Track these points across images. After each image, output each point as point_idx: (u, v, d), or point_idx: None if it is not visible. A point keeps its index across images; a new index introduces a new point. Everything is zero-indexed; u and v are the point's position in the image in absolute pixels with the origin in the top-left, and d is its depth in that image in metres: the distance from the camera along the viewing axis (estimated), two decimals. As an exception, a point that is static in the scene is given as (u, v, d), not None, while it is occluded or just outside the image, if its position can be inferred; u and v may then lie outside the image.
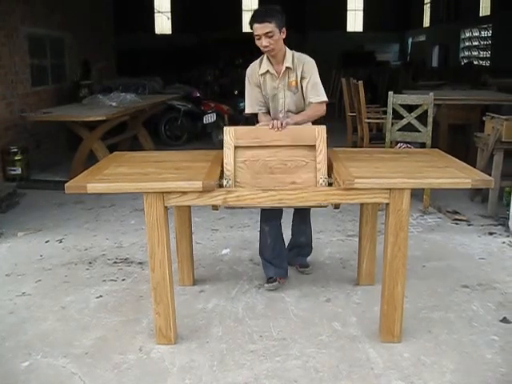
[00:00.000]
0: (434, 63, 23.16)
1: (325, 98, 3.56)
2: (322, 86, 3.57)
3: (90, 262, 4.32)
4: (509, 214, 5.00)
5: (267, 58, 3.58)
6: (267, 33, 3.38)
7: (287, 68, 3.54)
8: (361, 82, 6.73)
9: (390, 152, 3.70)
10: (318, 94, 3.54)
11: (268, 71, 3.58)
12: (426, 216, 5.40)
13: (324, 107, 3.59)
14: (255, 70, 3.63)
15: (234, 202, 2.94)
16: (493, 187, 2.94)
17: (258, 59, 3.65)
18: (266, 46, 3.42)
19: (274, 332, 3.21)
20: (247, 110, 3.78)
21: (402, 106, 5.62)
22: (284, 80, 3.58)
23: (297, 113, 3.61)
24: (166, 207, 2.90)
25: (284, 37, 3.47)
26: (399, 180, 2.87)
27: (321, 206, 3.13)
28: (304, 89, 3.56)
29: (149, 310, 3.38)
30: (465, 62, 20.36)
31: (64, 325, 3.35)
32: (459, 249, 4.54)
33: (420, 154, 3.63)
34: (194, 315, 3.42)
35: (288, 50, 3.57)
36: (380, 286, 3.18)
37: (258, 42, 3.45)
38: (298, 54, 3.58)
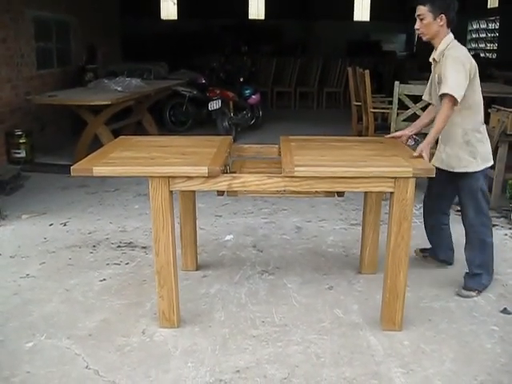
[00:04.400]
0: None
1: (447, 91, 3.17)
2: (453, 78, 3.19)
3: (94, 246, 4.35)
4: (511, 207, 5.01)
5: None
6: (419, 15, 3.30)
7: (434, 59, 3.44)
8: (367, 72, 6.71)
9: (344, 140, 3.70)
10: (442, 87, 3.23)
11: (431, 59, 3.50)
12: (429, 207, 5.40)
13: (447, 103, 3.19)
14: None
15: (239, 187, 2.95)
16: (434, 175, 2.93)
17: None
18: (417, 29, 3.34)
19: (276, 318, 3.23)
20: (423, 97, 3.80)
21: (407, 96, 5.61)
22: (435, 70, 3.44)
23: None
24: (171, 192, 2.92)
25: (442, 24, 3.28)
26: (340, 168, 2.87)
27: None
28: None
29: (152, 293, 3.41)
30: (471, 54, 20.25)
31: (68, 307, 3.38)
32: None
33: (373, 143, 3.63)
34: (196, 300, 3.45)
35: (447, 39, 3.34)
36: (382, 274, 3.21)
37: None
38: (452, 46, 3.34)
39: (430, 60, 3.51)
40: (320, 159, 3.06)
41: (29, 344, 2.96)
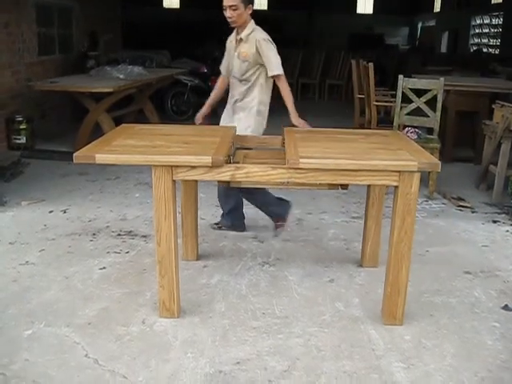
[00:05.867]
0: (443, 49, 22.98)
1: (278, 72, 3.93)
2: (275, 59, 3.92)
3: (94, 234, 4.32)
4: (513, 203, 5.00)
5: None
6: (231, 6, 3.80)
7: (240, 39, 3.96)
8: (371, 64, 6.67)
9: (349, 133, 3.69)
10: (271, 69, 3.92)
11: (232, 40, 4.07)
12: (430, 201, 5.39)
13: (283, 80, 3.95)
14: (229, 38, 4.12)
15: (242, 178, 2.92)
16: (439, 170, 2.95)
17: None
18: (229, 18, 3.85)
19: (277, 310, 3.22)
20: (220, 67, 4.34)
21: (411, 89, 5.58)
22: (238, 49, 3.99)
23: (241, 80, 4.03)
24: (174, 181, 2.89)
25: (250, 12, 3.90)
26: (344, 161, 2.85)
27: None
28: (265, 63, 3.93)
29: (152, 282, 3.39)
30: (474, 49, 20.19)
31: (67, 295, 3.36)
32: (463, 235, 4.54)
33: (378, 136, 3.61)
34: (197, 290, 3.43)
35: (252, 25, 3.95)
36: (383, 268, 3.19)
37: (224, 12, 3.86)
38: (258, 31, 3.96)
39: (230, 41, 4.08)
40: (325, 151, 3.04)
41: (28, 331, 2.93)
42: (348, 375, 2.64)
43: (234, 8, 3.80)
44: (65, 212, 4.81)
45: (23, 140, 6.98)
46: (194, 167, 2.85)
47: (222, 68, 4.27)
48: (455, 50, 21.57)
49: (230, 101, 4.19)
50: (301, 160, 2.81)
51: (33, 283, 3.50)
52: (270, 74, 3.93)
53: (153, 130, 3.58)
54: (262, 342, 2.88)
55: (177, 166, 2.85)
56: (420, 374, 2.66)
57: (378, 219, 3.70)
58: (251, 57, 3.92)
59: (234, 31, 4.05)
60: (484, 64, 11.82)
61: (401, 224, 2.92)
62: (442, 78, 5.54)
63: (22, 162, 6.23)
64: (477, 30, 21.33)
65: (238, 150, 3.60)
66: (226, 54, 4.20)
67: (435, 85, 5.50)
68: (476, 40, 21.30)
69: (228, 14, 3.83)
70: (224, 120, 4.23)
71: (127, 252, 4.00)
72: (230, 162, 3.08)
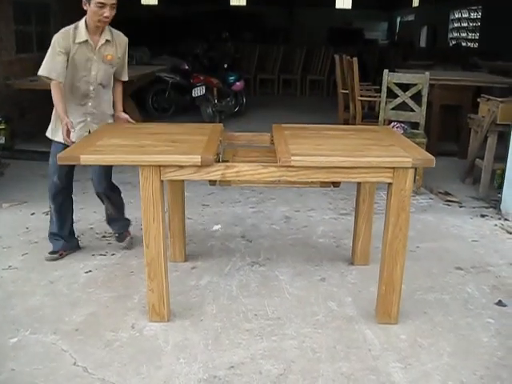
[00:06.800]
0: (422, 43, 23.06)
1: (128, 77, 3.90)
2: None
3: (78, 236, 4.18)
4: (500, 197, 4.98)
5: (85, 27, 3.54)
6: (113, 4, 3.46)
7: (107, 41, 3.60)
8: (355, 59, 6.64)
9: (339, 129, 3.63)
10: (125, 73, 3.85)
11: (87, 41, 3.54)
12: (417, 196, 5.35)
13: (122, 84, 3.91)
14: (69, 37, 3.50)
15: (233, 177, 2.85)
16: (433, 166, 2.87)
17: (72, 26, 3.56)
18: (106, 18, 3.46)
19: (269, 311, 3.15)
20: (43, 73, 3.46)
21: (395, 84, 5.54)
22: (100, 52, 3.60)
23: (104, 86, 3.69)
24: (162, 181, 2.80)
25: None
26: (338, 158, 2.79)
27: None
28: (119, 66, 3.75)
29: (140, 285, 3.31)
30: (453, 43, 20.28)
31: (53, 300, 3.26)
32: (452, 230, 4.52)
33: (369, 132, 3.57)
34: (186, 292, 3.35)
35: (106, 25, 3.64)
36: (375, 266, 3.16)
37: (98, 11, 3.43)
38: (115, 30, 3.69)
39: (75, 41, 3.50)
40: (316, 148, 2.97)
41: (13, 340, 2.83)
42: (345, 377, 2.58)
43: (114, 6, 3.47)
44: (47, 214, 4.65)
45: (2, 140, 6.79)
46: (182, 167, 2.77)
47: (54, 71, 3.44)
48: (434, 44, 21.65)
49: (94, 111, 3.67)
50: (292, 158, 2.74)
51: (16, 288, 3.39)
52: (124, 78, 3.86)
53: (138, 129, 3.49)
54: (256, 345, 2.81)
55: (165, 166, 2.76)
56: (418, 374, 2.62)
57: (369, 216, 3.64)
58: (117, 61, 3.68)
59: (76, 30, 3.52)
60: (464, 58, 11.85)
61: (395, 221, 2.87)
62: (427, 73, 5.52)
63: (1, 163, 6.07)
64: (455, 24, 21.43)
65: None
66: (59, 56, 3.45)
67: (420, 79, 5.47)
68: (455, 34, 21.39)
69: (107, 12, 3.42)
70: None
71: (113, 254, 3.90)
72: (219, 161, 3.00)
